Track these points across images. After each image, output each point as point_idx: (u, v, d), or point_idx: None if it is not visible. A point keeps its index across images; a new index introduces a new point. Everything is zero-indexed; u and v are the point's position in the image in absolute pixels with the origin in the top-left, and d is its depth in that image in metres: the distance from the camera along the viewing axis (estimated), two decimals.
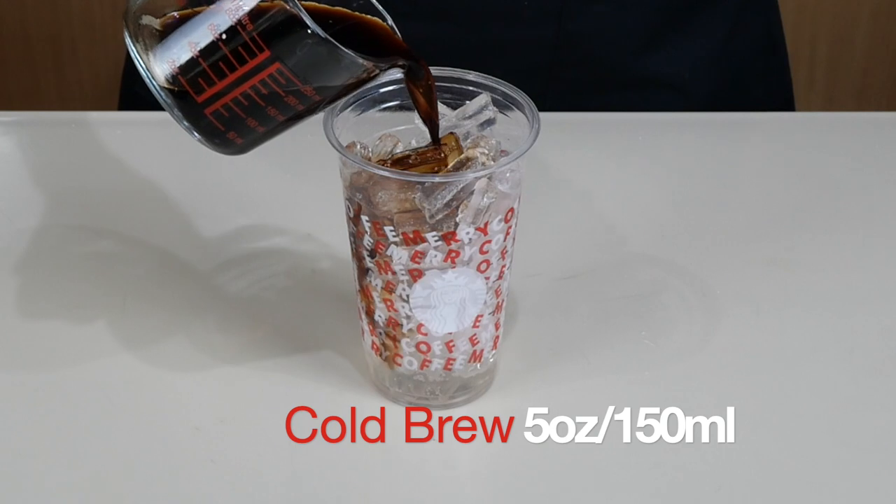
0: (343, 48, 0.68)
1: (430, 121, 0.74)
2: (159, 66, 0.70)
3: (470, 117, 0.76)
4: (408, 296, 0.74)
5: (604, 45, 1.06)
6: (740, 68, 1.11)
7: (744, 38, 1.10)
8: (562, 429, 0.78)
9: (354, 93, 0.73)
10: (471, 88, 0.77)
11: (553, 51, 1.05)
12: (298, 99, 0.70)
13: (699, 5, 1.07)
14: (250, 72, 0.69)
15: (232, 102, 0.70)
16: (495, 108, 0.76)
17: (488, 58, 1.02)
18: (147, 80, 0.71)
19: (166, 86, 0.70)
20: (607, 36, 1.05)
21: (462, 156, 0.74)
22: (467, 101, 0.77)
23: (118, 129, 1.03)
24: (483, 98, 0.76)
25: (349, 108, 0.76)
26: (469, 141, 0.76)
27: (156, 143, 1.02)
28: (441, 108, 0.76)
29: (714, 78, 1.09)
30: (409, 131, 0.77)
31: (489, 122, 0.76)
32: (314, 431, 0.77)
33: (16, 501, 0.73)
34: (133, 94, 1.14)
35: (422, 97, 0.74)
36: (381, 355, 0.78)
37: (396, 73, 0.77)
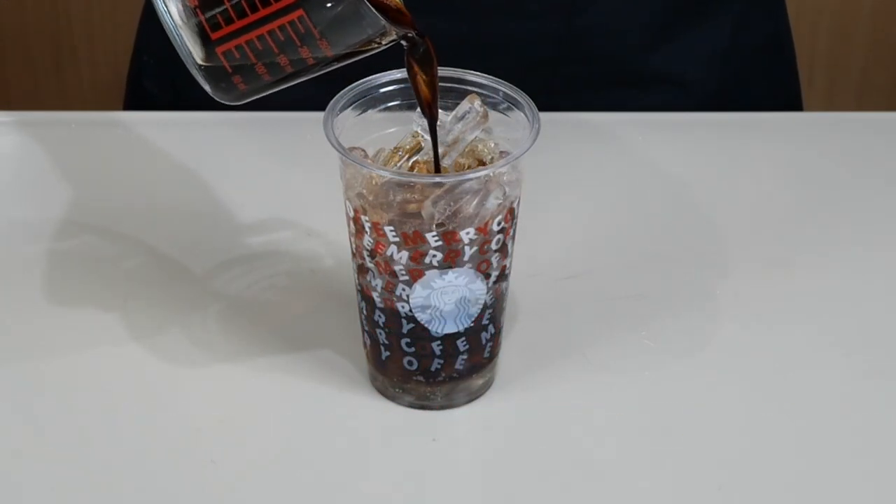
0: (368, 4, 0.68)
1: (430, 114, 0.74)
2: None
3: (459, 120, 0.76)
4: (408, 296, 0.74)
5: (610, 41, 1.05)
6: (746, 66, 1.11)
7: (751, 36, 1.10)
8: (562, 429, 0.78)
9: (355, 59, 0.72)
10: (471, 88, 0.77)
11: (559, 46, 1.05)
12: (311, 51, 0.70)
13: (706, 2, 1.07)
14: (272, 15, 0.68)
15: (246, 44, 0.69)
16: (483, 107, 0.76)
17: (493, 52, 1.02)
18: (162, 14, 0.70)
19: (180, 21, 0.69)
20: (614, 31, 1.05)
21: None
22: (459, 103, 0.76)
23: (118, 128, 1.03)
24: (466, 103, 0.76)
25: (349, 108, 0.76)
26: (464, 145, 0.76)
27: (155, 143, 1.02)
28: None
29: (720, 75, 1.09)
30: (409, 132, 0.77)
31: (479, 122, 0.76)
32: (314, 432, 0.77)
33: (15, 501, 0.73)
34: (140, 88, 1.14)
35: (423, 84, 0.73)
36: (380, 355, 0.78)
37: (396, 73, 0.77)
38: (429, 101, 0.74)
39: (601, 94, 1.07)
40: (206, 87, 0.72)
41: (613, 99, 1.07)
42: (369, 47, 0.71)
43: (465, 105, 0.76)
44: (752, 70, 1.12)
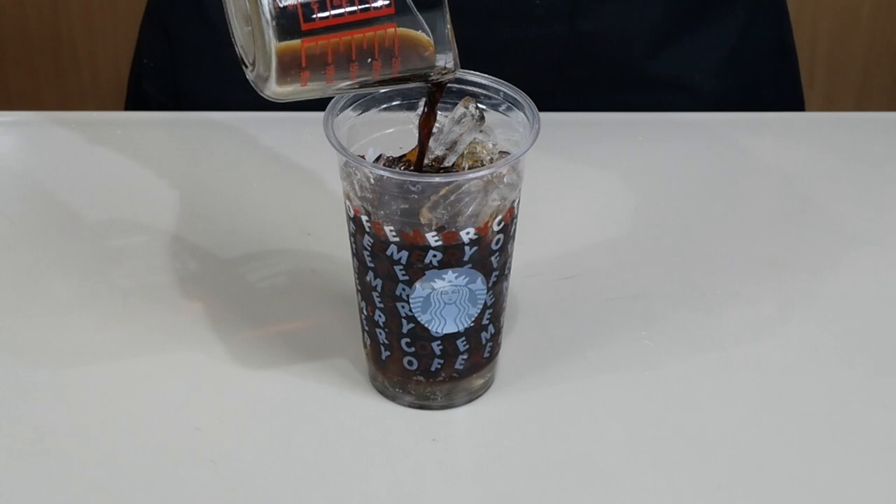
0: (452, 35, 0.69)
1: (426, 133, 0.75)
2: None
3: (457, 123, 0.76)
4: (408, 296, 0.74)
5: (615, 45, 1.05)
6: (751, 70, 1.11)
7: (755, 39, 1.10)
8: (562, 429, 0.78)
9: (392, 88, 0.73)
10: (471, 89, 0.77)
11: (564, 50, 1.05)
12: (382, 67, 0.69)
13: (711, 6, 1.07)
14: (366, 21, 0.68)
15: (331, 43, 0.68)
16: (479, 108, 0.76)
17: (498, 56, 1.02)
18: None
19: (268, 4, 0.67)
20: (618, 35, 1.05)
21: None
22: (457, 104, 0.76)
23: (118, 129, 1.03)
24: (461, 107, 0.76)
25: (349, 108, 0.76)
26: (462, 147, 0.76)
27: (155, 143, 1.02)
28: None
29: (724, 79, 1.09)
30: (408, 132, 0.77)
31: (475, 125, 0.76)
32: (314, 432, 0.77)
33: (15, 501, 0.73)
34: (141, 91, 1.14)
35: (431, 117, 0.75)
36: (381, 355, 0.78)
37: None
38: (427, 128, 0.75)
39: (606, 97, 1.07)
40: (269, 77, 0.69)
41: (618, 102, 1.07)
42: (417, 80, 0.72)
43: (459, 108, 0.76)
44: (755, 74, 1.12)
